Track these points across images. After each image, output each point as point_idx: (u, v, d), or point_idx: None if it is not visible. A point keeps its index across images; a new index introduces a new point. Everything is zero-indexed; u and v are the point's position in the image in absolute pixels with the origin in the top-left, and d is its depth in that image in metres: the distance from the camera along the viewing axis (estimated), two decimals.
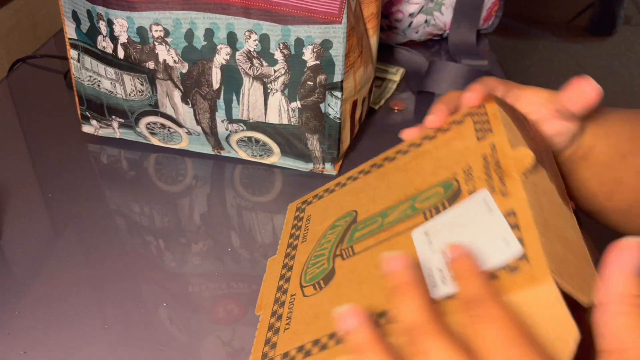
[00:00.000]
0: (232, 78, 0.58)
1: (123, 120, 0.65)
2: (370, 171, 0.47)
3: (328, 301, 0.38)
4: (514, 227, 0.32)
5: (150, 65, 0.59)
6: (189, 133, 0.64)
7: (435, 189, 0.39)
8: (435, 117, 0.44)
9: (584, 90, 0.42)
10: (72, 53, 0.64)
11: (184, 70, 0.58)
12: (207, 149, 0.66)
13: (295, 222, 0.49)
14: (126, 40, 0.58)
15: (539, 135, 0.45)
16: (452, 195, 0.37)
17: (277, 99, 0.58)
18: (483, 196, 0.35)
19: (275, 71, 0.57)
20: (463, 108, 0.44)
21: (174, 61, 0.58)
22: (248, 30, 0.55)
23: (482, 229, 0.33)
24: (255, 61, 0.57)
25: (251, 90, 0.58)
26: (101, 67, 0.62)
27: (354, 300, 0.36)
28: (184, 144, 0.66)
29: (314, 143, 0.60)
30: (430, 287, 0.32)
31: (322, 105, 0.58)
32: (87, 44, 0.62)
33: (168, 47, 0.57)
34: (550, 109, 0.44)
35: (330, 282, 0.39)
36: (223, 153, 0.66)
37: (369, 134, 0.70)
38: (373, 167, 0.47)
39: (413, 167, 0.43)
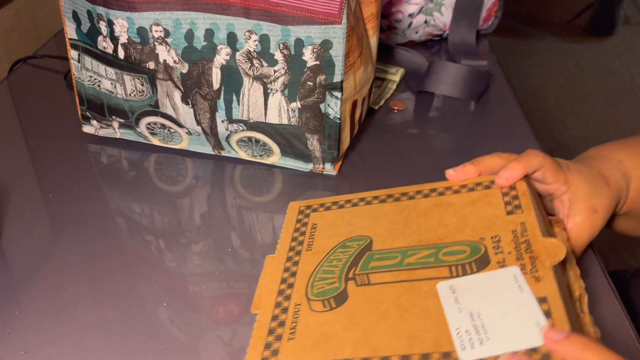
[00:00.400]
0: (232, 78, 0.58)
1: (123, 121, 0.65)
2: (386, 201, 0.49)
3: (340, 325, 0.39)
4: (547, 313, 0.34)
5: (151, 65, 0.59)
6: (189, 133, 0.64)
7: (461, 247, 0.41)
8: (456, 174, 0.46)
9: None
10: (73, 53, 0.64)
11: (184, 71, 0.58)
12: (207, 149, 0.66)
13: (297, 226, 0.50)
14: (126, 41, 0.58)
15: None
16: (480, 259, 0.40)
17: (277, 99, 0.58)
18: (514, 273, 0.38)
19: (275, 71, 0.57)
20: (492, 176, 0.46)
21: (174, 61, 0.58)
22: (248, 31, 0.55)
23: (512, 305, 0.36)
24: (255, 61, 0.57)
25: (251, 91, 0.58)
26: (101, 68, 0.62)
27: (371, 331, 0.38)
28: (184, 144, 0.66)
29: (313, 143, 0.61)
30: (459, 349, 0.34)
31: (322, 106, 0.58)
32: (88, 44, 0.62)
33: (168, 48, 0.57)
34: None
35: (343, 305, 0.40)
36: (223, 153, 0.66)
37: (369, 134, 0.70)
38: (389, 198, 0.49)
39: (435, 215, 0.45)
